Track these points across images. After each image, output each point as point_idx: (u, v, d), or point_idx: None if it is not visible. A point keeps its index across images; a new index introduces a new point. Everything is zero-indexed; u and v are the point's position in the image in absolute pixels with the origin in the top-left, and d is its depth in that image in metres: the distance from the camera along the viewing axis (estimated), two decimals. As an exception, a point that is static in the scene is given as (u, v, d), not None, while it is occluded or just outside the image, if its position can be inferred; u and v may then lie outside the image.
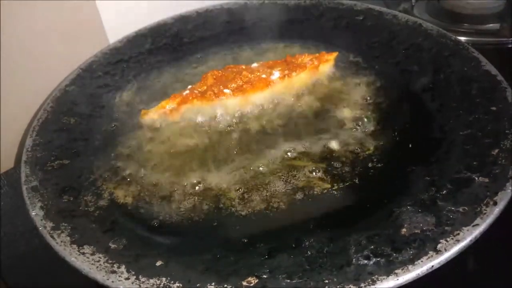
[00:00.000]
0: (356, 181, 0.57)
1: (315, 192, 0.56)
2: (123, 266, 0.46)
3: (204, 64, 0.82)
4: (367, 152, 0.61)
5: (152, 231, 0.54)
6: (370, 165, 0.59)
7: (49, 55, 0.78)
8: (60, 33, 0.78)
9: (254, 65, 0.76)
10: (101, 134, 0.69)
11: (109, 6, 0.83)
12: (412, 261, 0.42)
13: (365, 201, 0.54)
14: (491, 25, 0.91)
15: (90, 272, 0.46)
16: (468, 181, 0.51)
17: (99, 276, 0.45)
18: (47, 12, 0.75)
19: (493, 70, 0.64)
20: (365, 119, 0.66)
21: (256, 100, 0.70)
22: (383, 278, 0.41)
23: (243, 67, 0.75)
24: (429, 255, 0.43)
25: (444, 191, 0.51)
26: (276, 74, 0.72)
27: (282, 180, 0.58)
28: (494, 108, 0.59)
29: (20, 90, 0.75)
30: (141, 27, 0.89)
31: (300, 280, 0.43)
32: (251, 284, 0.43)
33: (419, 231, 0.46)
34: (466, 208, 0.47)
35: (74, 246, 0.48)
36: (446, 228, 0.45)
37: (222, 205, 0.56)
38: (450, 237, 0.44)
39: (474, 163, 0.53)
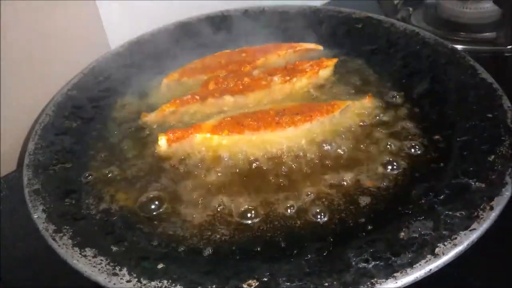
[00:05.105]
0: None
1: (315, 197, 0.57)
2: (125, 269, 0.46)
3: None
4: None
5: (153, 233, 0.54)
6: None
7: (52, 60, 0.78)
8: (62, 38, 0.79)
9: (255, 71, 0.77)
10: (102, 138, 0.69)
11: (111, 11, 0.84)
12: (410, 264, 0.43)
13: (364, 205, 0.55)
14: (487, 33, 0.92)
15: (92, 275, 0.46)
16: (465, 187, 0.52)
17: (101, 278, 0.45)
18: (49, 17, 0.76)
19: (489, 78, 0.65)
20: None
21: (256, 106, 0.71)
22: (382, 281, 0.42)
23: (245, 68, 0.77)
24: (427, 258, 0.43)
25: (442, 196, 0.52)
26: (276, 80, 0.73)
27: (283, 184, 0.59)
28: (490, 115, 0.60)
29: (22, 94, 0.75)
30: (142, 32, 0.89)
31: (300, 283, 0.43)
32: (252, 287, 0.44)
33: (417, 235, 0.47)
34: (463, 212, 0.48)
35: (76, 248, 0.49)
36: (443, 232, 0.46)
37: (222, 211, 0.56)
38: (448, 241, 0.45)
39: (471, 168, 0.54)
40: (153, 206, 0.57)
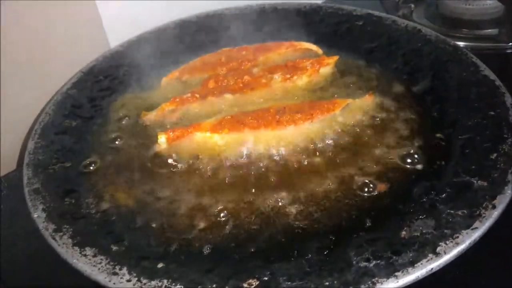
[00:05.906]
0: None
1: (315, 196, 0.56)
2: (125, 268, 0.46)
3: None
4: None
5: (153, 233, 0.54)
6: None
7: (51, 59, 0.78)
8: (62, 37, 0.79)
9: (255, 69, 0.76)
10: (102, 137, 0.69)
11: (111, 10, 0.84)
12: (412, 263, 0.43)
13: (365, 204, 0.55)
14: (489, 30, 0.92)
15: (92, 274, 0.46)
16: (467, 185, 0.51)
17: (101, 278, 0.45)
18: (48, 17, 0.76)
19: (492, 75, 0.65)
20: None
21: (256, 105, 0.70)
22: (383, 281, 0.42)
23: (245, 66, 0.77)
24: (428, 257, 0.43)
25: (444, 195, 0.51)
26: (277, 78, 0.73)
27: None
28: (492, 113, 0.59)
29: (22, 94, 0.75)
30: (142, 31, 0.89)
31: (301, 282, 0.43)
32: (252, 286, 0.43)
33: (418, 234, 0.46)
34: (465, 211, 0.47)
35: (76, 248, 0.49)
36: (445, 231, 0.46)
37: (222, 209, 0.56)
38: (449, 240, 0.44)
39: (473, 167, 0.53)
40: (152, 206, 0.57)
